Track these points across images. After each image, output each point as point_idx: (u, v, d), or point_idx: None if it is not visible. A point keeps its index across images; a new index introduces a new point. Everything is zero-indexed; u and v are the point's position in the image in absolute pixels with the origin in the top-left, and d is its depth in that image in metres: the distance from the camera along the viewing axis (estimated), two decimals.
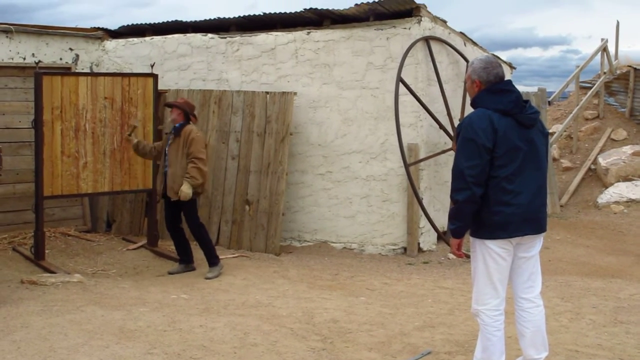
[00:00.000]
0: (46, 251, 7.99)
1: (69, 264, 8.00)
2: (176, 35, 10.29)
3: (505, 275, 4.04)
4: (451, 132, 9.29)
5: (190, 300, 6.33)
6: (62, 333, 4.97)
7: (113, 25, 11.25)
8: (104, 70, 10.42)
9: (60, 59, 10.09)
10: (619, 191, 13.55)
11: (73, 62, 10.22)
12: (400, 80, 8.57)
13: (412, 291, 6.96)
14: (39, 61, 8.83)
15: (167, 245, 8.72)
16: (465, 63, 9.79)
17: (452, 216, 4.01)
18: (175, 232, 7.67)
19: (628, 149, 14.76)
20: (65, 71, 9.71)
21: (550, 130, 15.01)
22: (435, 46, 9.24)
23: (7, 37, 9.50)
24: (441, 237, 9.15)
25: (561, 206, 13.42)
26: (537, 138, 4.01)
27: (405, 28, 8.86)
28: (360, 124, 9.05)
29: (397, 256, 8.84)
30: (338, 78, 9.14)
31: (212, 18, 10.16)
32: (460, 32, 10.41)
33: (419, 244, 8.92)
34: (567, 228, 11.43)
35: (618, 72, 17.14)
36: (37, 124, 7.70)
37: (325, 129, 9.23)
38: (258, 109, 9.10)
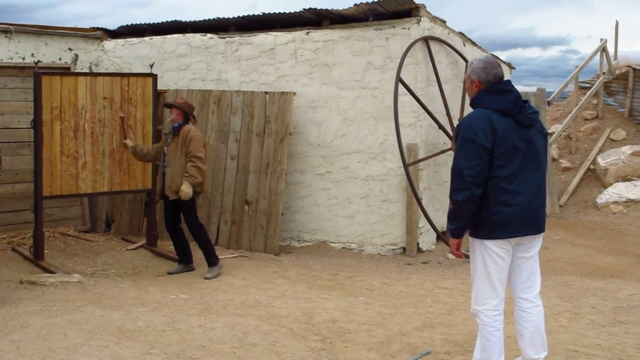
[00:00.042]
0: (45, 251, 7.99)
1: (68, 264, 8.00)
2: (175, 35, 10.29)
3: (505, 275, 4.05)
4: (450, 132, 9.30)
5: (190, 300, 6.33)
6: (62, 333, 4.97)
7: (112, 25, 11.26)
8: (103, 70, 10.42)
9: (60, 59, 10.08)
10: (618, 191, 13.55)
11: (72, 62, 10.21)
12: (399, 80, 8.57)
13: (411, 291, 6.96)
14: (38, 61, 8.82)
15: (166, 245, 8.72)
16: (465, 63, 9.79)
17: (451, 216, 4.01)
18: (174, 232, 7.67)
19: (627, 149, 14.77)
20: (64, 71, 9.70)
21: (549, 131, 15.02)
22: (434, 46, 9.24)
23: (6, 37, 9.50)
24: (440, 237, 9.15)
25: (560, 206, 13.42)
26: (536, 138, 4.01)
27: (404, 28, 8.87)
28: (359, 124, 9.05)
29: (396, 256, 8.84)
30: (337, 78, 9.14)
31: (211, 18, 10.16)
32: (460, 32, 10.42)
33: (418, 244, 8.92)
34: (566, 228, 11.43)
35: (617, 72, 17.15)
36: (37, 124, 7.69)
37: (324, 129, 9.23)
38: (257, 109, 9.10)
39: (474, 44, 11.06)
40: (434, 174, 9.39)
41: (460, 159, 3.89)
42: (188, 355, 4.64)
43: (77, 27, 10.61)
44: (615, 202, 13.21)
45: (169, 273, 7.68)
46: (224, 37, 9.91)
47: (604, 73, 16.89)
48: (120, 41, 10.67)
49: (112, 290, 6.63)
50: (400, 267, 8.34)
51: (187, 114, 7.53)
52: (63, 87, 7.87)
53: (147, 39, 10.54)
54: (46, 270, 7.41)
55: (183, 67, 10.14)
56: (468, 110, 4.31)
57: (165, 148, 7.61)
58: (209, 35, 10.02)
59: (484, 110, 3.93)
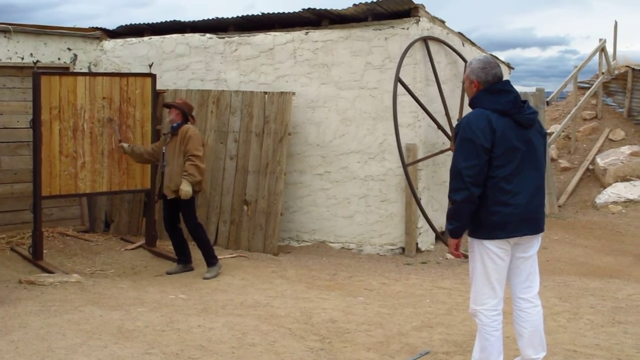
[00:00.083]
0: (44, 251, 7.99)
1: (67, 264, 7.99)
2: (174, 35, 10.29)
3: (503, 275, 4.05)
4: (449, 132, 9.30)
5: (189, 300, 6.33)
6: (60, 333, 4.97)
7: (111, 25, 11.25)
8: (102, 70, 10.41)
9: (59, 58, 10.08)
10: (617, 191, 13.56)
11: (71, 62, 10.21)
12: (398, 80, 8.57)
13: (410, 291, 6.96)
14: (37, 61, 8.82)
15: (165, 245, 8.72)
16: (464, 63, 9.80)
17: (450, 216, 4.01)
18: (173, 232, 7.67)
19: (626, 149, 14.78)
20: (63, 71, 9.69)
21: (548, 131, 15.03)
22: (433, 46, 9.24)
23: (5, 37, 9.49)
24: (439, 237, 9.16)
25: (559, 206, 13.43)
26: (535, 138, 4.01)
27: (403, 28, 8.87)
28: (358, 124, 9.05)
29: (395, 256, 8.84)
30: (336, 78, 9.14)
31: (210, 18, 10.16)
32: (459, 32, 10.42)
33: (417, 244, 8.92)
34: (565, 228, 11.44)
35: (616, 72, 17.16)
36: (35, 123, 7.69)
37: (323, 129, 9.23)
38: (256, 109, 9.09)
39: (473, 44, 11.07)
40: (433, 174, 9.40)
41: (459, 159, 3.89)
42: (187, 355, 4.64)
43: (76, 27, 10.61)
44: (614, 202, 13.22)
45: (168, 273, 7.68)
46: (223, 37, 9.91)
47: (602, 73, 16.90)
48: (119, 41, 10.66)
49: (111, 290, 6.63)
50: (399, 267, 8.34)
51: (186, 114, 7.53)
52: (62, 87, 7.87)
53: (146, 39, 10.53)
54: (45, 270, 7.41)
55: (182, 67, 10.14)
56: (467, 110, 4.31)
57: (164, 148, 7.62)
58: (208, 35, 10.02)
59: (483, 110, 3.94)
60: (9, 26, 9.54)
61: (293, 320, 5.66)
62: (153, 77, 8.58)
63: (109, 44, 10.68)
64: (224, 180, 9.20)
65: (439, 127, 9.16)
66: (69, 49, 10.22)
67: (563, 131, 15.87)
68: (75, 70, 10.09)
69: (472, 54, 10.50)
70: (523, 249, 4.08)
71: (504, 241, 3.96)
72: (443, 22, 9.80)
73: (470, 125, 3.88)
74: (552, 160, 15.27)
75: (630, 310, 6.09)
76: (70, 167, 7.97)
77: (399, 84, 8.58)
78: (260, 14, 9.63)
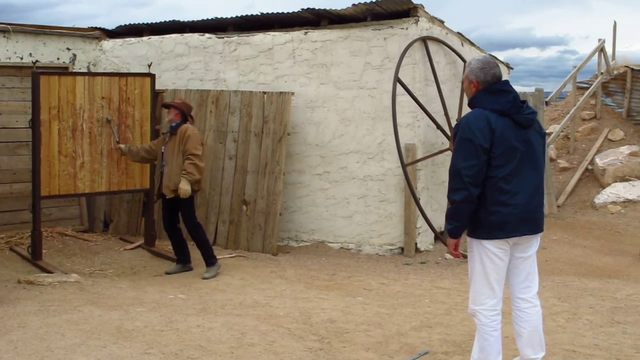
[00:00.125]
0: (43, 251, 7.98)
1: (66, 263, 7.99)
2: (173, 35, 10.29)
3: (502, 275, 4.05)
4: (448, 133, 9.30)
5: (188, 300, 6.33)
6: (59, 333, 4.96)
7: (110, 25, 11.26)
8: (101, 70, 10.41)
9: (58, 58, 10.07)
10: (616, 191, 13.57)
11: (70, 62, 10.21)
12: (397, 80, 8.57)
13: (410, 291, 6.96)
14: (37, 61, 8.82)
15: (165, 245, 8.72)
16: (463, 63, 9.81)
17: (449, 216, 4.01)
18: (173, 232, 7.66)
19: (625, 150, 14.79)
20: (62, 71, 9.69)
21: (547, 131, 15.04)
22: (432, 46, 9.24)
23: (4, 36, 9.49)
24: (438, 237, 9.16)
25: (558, 206, 13.44)
26: (534, 138, 4.01)
27: (402, 28, 8.87)
28: (357, 124, 9.05)
29: (394, 256, 8.84)
30: (335, 78, 9.14)
31: (209, 18, 10.16)
32: (458, 33, 10.42)
33: (416, 244, 8.92)
34: (564, 228, 11.45)
35: (615, 72, 17.18)
36: (35, 123, 7.69)
37: (322, 129, 9.23)
38: (255, 109, 9.09)
39: (472, 44, 11.07)
40: (432, 174, 9.40)
41: (458, 159, 3.89)
42: (186, 355, 4.64)
43: (76, 27, 10.60)
44: (613, 203, 13.24)
45: (167, 273, 7.68)
46: (222, 37, 9.91)
47: (602, 73, 16.92)
48: (119, 41, 10.66)
49: (110, 290, 6.63)
50: (398, 267, 8.34)
51: (185, 114, 7.54)
52: (61, 87, 7.86)
53: (145, 38, 10.53)
54: (44, 270, 7.41)
55: (181, 67, 10.13)
56: (466, 110, 4.31)
57: (162, 147, 7.62)
58: (207, 35, 10.02)
59: (482, 110, 3.94)
60: (8, 26, 9.53)
61: (292, 320, 5.66)
62: (152, 77, 8.58)
63: (108, 43, 10.68)
64: (223, 180, 9.20)
65: (438, 127, 9.17)
66: (68, 48, 10.21)
67: (562, 131, 15.88)
68: (74, 70, 10.09)
69: (471, 54, 10.51)
70: (522, 249, 4.08)
71: (503, 241, 3.96)
72: (442, 22, 9.80)
73: (470, 125, 3.88)
74: (551, 160, 15.28)
75: (629, 311, 6.10)
76: (69, 167, 7.97)
77: (398, 84, 8.58)
78: (259, 14, 9.63)
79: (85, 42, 10.48)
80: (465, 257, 4.99)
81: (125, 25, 10.78)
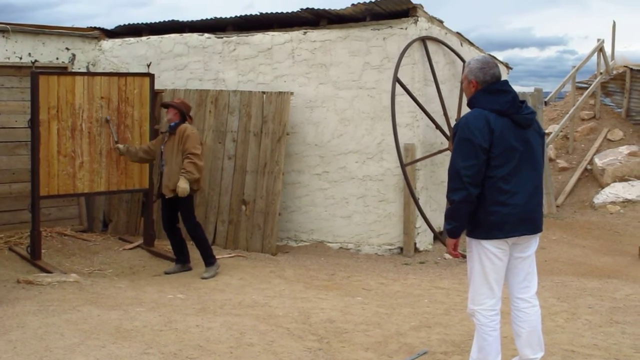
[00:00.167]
0: (42, 251, 7.98)
1: (65, 263, 7.99)
2: (173, 35, 10.29)
3: (501, 275, 4.05)
4: (447, 132, 9.30)
5: (187, 300, 6.33)
6: (59, 333, 4.96)
7: (110, 25, 11.27)
8: (100, 70, 10.41)
9: (57, 58, 10.07)
10: (615, 191, 13.58)
11: (69, 62, 10.21)
12: (396, 80, 8.57)
13: (409, 291, 6.96)
14: (36, 61, 8.81)
15: (164, 245, 8.72)
16: (462, 63, 9.81)
17: (449, 216, 4.01)
18: (172, 231, 7.66)
19: (624, 150, 14.81)
20: (61, 71, 9.70)
21: (546, 131, 15.04)
22: (431, 46, 9.24)
23: (3, 36, 9.49)
24: (437, 237, 9.16)
25: (557, 206, 13.44)
26: (533, 138, 4.01)
27: (401, 28, 8.87)
28: (356, 124, 9.05)
29: (393, 256, 8.84)
30: (335, 78, 9.14)
31: (208, 18, 10.17)
32: (457, 33, 10.43)
33: (415, 244, 8.92)
34: (563, 228, 11.45)
35: (614, 72, 17.19)
36: (34, 123, 7.68)
37: (321, 129, 9.23)
38: (254, 109, 9.10)
39: (471, 44, 11.08)
40: (431, 174, 9.40)
41: (458, 159, 3.89)
42: (185, 355, 4.64)
43: (75, 26, 10.60)
44: (612, 203, 13.24)
45: (166, 273, 7.67)
46: (222, 37, 9.91)
47: (601, 73, 16.93)
48: (118, 41, 10.66)
49: (109, 290, 6.63)
50: (398, 267, 8.34)
51: (184, 114, 7.54)
52: (60, 87, 7.86)
53: (144, 38, 10.53)
54: (43, 270, 7.41)
55: (180, 66, 10.13)
56: (465, 110, 4.31)
57: (162, 147, 7.61)
58: (206, 35, 10.02)
59: (481, 110, 3.94)
60: (8, 26, 9.53)
61: (291, 320, 5.66)
62: (151, 76, 8.57)
63: (107, 43, 10.68)
64: (222, 180, 9.20)
65: (437, 127, 9.17)
66: (67, 48, 10.21)
67: (561, 131, 15.88)
68: (73, 70, 10.09)
69: (471, 54, 10.51)
70: (521, 249, 4.08)
71: (502, 241, 3.96)
72: (441, 22, 9.80)
73: (469, 125, 3.88)
74: (550, 160, 15.29)
75: (628, 310, 6.10)
76: (69, 167, 7.96)
77: (397, 84, 8.58)
78: (258, 13, 9.63)
79: (84, 42, 10.48)
80: (464, 257, 4.98)
81: (124, 25, 10.78)
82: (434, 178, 9.47)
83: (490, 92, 3.99)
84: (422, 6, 8.97)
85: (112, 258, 8.39)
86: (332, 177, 9.19)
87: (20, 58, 9.62)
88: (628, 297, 6.69)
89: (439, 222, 9.28)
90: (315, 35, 9.26)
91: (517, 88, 15.79)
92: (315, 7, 9.12)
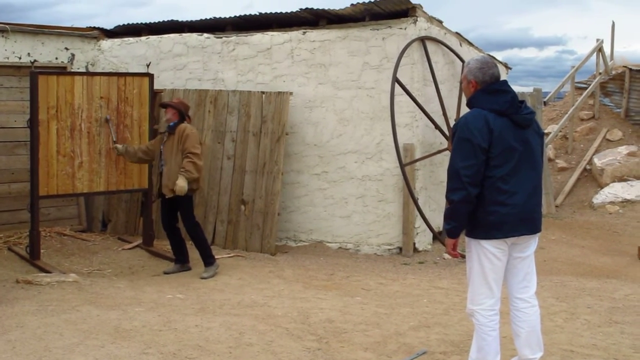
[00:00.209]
0: (41, 251, 7.98)
1: (65, 263, 7.99)
2: (172, 35, 10.29)
3: (501, 275, 4.05)
4: (447, 132, 9.30)
5: (186, 300, 6.33)
6: (58, 333, 4.96)
7: (109, 25, 11.25)
8: (99, 70, 10.41)
9: (56, 58, 10.07)
10: (614, 191, 13.59)
11: (69, 62, 10.20)
12: (396, 80, 8.57)
13: (408, 291, 6.97)
14: (35, 60, 8.81)
15: (163, 244, 8.72)
16: (461, 63, 9.82)
17: (448, 216, 4.01)
18: (171, 231, 7.66)
19: (623, 150, 14.81)
20: (60, 71, 9.70)
21: (545, 131, 15.05)
22: (431, 46, 9.25)
23: (2, 36, 9.48)
24: (437, 237, 9.15)
25: (556, 206, 13.45)
26: (532, 138, 4.02)
27: (401, 28, 8.87)
28: (356, 124, 9.05)
29: (392, 256, 8.84)
30: (334, 78, 9.14)
31: (208, 18, 10.17)
32: (456, 33, 10.43)
33: (414, 244, 8.92)
34: (563, 228, 11.46)
35: (613, 72, 17.20)
36: (33, 123, 7.68)
37: (321, 129, 9.23)
38: (254, 109, 9.09)
39: (470, 44, 11.08)
40: (430, 174, 9.40)
41: (457, 159, 3.89)
42: (184, 355, 4.64)
43: (74, 26, 10.60)
44: (612, 203, 13.25)
45: (165, 273, 7.67)
46: (221, 37, 9.91)
47: (600, 73, 16.93)
48: (117, 41, 10.66)
49: (108, 290, 6.63)
50: (397, 267, 8.34)
51: (182, 114, 7.53)
52: (59, 87, 7.86)
53: (143, 38, 10.53)
54: (42, 269, 7.40)
55: (179, 66, 10.13)
56: (464, 110, 4.31)
57: (161, 147, 7.61)
58: (205, 35, 10.02)
59: (480, 110, 3.94)
60: (7, 26, 9.53)
61: (290, 320, 5.66)
62: (151, 76, 8.57)
63: (106, 43, 10.68)
64: (221, 179, 9.20)
65: (437, 127, 9.17)
66: (66, 48, 10.21)
67: (560, 131, 15.89)
68: (72, 70, 10.09)
69: (470, 54, 10.52)
70: (520, 249, 4.08)
71: (501, 241, 3.96)
72: (441, 22, 9.80)
73: (468, 125, 3.89)
74: (550, 160, 15.29)
75: (627, 310, 6.10)
76: (68, 167, 7.96)
77: (396, 84, 8.58)
78: (257, 13, 9.63)
79: (83, 42, 10.48)
80: (463, 257, 4.99)
81: (123, 25, 10.78)
82: (433, 178, 9.47)
83: (489, 92, 3.99)
84: (421, 6, 8.97)
85: (111, 258, 8.38)
86: (331, 177, 9.19)
87: (20, 58, 9.61)
88: (627, 297, 6.70)
89: (438, 222, 9.29)
90: (315, 35, 9.26)
91: (516, 88, 15.80)
92: (315, 7, 9.13)
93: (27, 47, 9.73)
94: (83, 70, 10.30)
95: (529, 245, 4.11)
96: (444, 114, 9.35)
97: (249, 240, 8.93)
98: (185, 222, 7.52)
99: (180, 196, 7.24)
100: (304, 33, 9.32)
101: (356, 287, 7.18)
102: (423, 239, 9.12)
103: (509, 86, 4.06)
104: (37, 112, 7.67)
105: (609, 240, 10.75)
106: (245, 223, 8.99)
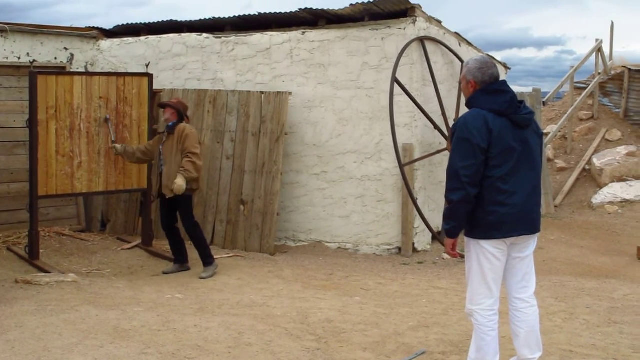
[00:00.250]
0: (40, 251, 7.98)
1: (64, 263, 7.98)
2: (171, 35, 10.28)
3: (500, 275, 4.05)
4: (446, 133, 9.30)
5: (185, 300, 6.33)
6: (57, 333, 4.96)
7: (108, 25, 11.25)
8: (99, 70, 10.40)
9: (55, 58, 10.06)
10: (613, 191, 13.59)
11: (68, 62, 10.20)
12: (395, 80, 8.58)
13: (407, 291, 6.97)
14: (34, 60, 8.81)
15: (162, 244, 8.71)
16: (460, 63, 9.82)
17: (447, 216, 4.01)
18: (170, 231, 7.66)
19: (622, 150, 14.81)
20: (60, 71, 9.70)
21: (544, 131, 15.05)
22: (430, 46, 9.25)
23: (2, 36, 9.48)
24: (436, 237, 9.15)
25: (555, 206, 13.45)
26: (531, 138, 4.02)
27: (400, 28, 8.87)
28: (355, 124, 9.05)
29: (391, 256, 8.85)
30: (333, 78, 9.14)
31: (207, 18, 10.17)
32: (455, 33, 10.43)
33: (413, 244, 8.93)
34: (562, 228, 11.46)
35: (612, 72, 17.20)
36: (32, 123, 7.68)
37: (320, 129, 9.23)
38: (253, 109, 9.09)
39: (469, 44, 11.08)
40: (429, 174, 9.40)
41: (456, 159, 3.89)
42: (183, 355, 4.64)
43: (73, 26, 10.60)
44: (611, 203, 13.25)
45: (165, 273, 7.67)
46: (220, 37, 9.90)
47: (599, 73, 16.93)
48: (116, 41, 10.66)
49: (107, 290, 6.63)
50: (396, 267, 8.34)
51: (181, 113, 7.53)
52: (59, 87, 7.86)
53: (142, 38, 10.53)
54: (41, 269, 7.40)
55: (179, 66, 10.13)
56: (463, 110, 4.31)
57: (160, 147, 7.61)
58: (204, 35, 10.02)
59: (479, 110, 3.94)
60: (6, 25, 9.52)
61: (289, 320, 5.66)
62: (150, 76, 8.57)
63: (105, 43, 10.67)
64: (220, 179, 9.20)
65: (436, 127, 9.17)
66: (65, 48, 10.20)
67: (559, 131, 15.89)
68: (72, 70, 10.08)
69: (469, 54, 10.52)
70: (519, 249, 4.09)
71: (501, 241, 3.96)
72: (440, 22, 9.81)
73: (467, 125, 3.89)
74: (549, 160, 15.29)
75: (626, 311, 6.11)
76: (67, 167, 7.96)
77: (395, 84, 8.58)
78: (257, 13, 9.63)
79: (82, 42, 10.47)
80: (462, 257, 4.99)
81: (122, 25, 10.77)
82: (432, 178, 9.47)
83: (488, 92, 4.00)
84: (420, 6, 8.97)
85: (110, 258, 8.38)
86: (331, 177, 9.19)
87: (19, 58, 9.61)
88: (626, 297, 6.70)
89: (437, 222, 9.28)
90: (314, 35, 9.26)
91: (516, 88, 15.78)
92: (314, 7, 9.13)
93: (26, 47, 9.73)
94: (82, 70, 10.29)
95: (528, 246, 4.11)
96: (443, 114, 9.36)
97: (248, 240, 8.93)
98: (184, 222, 7.51)
99: (180, 196, 7.24)
100: (303, 33, 9.33)
101: (355, 287, 7.18)
102: (422, 239, 9.13)
103: (508, 86, 4.07)
104: (36, 112, 7.67)
105: (608, 240, 10.76)
106: (245, 223, 8.99)
